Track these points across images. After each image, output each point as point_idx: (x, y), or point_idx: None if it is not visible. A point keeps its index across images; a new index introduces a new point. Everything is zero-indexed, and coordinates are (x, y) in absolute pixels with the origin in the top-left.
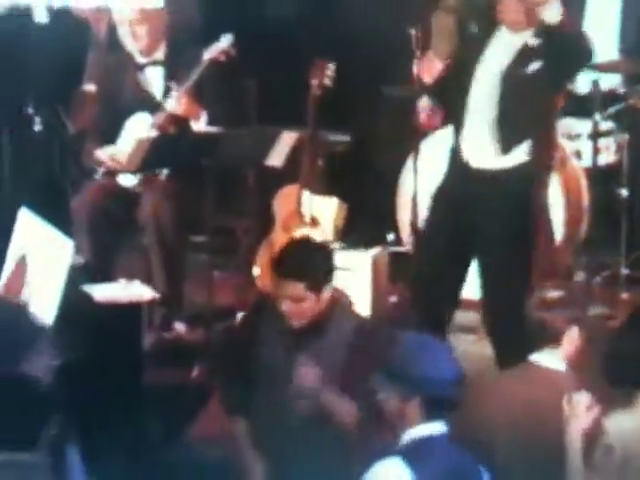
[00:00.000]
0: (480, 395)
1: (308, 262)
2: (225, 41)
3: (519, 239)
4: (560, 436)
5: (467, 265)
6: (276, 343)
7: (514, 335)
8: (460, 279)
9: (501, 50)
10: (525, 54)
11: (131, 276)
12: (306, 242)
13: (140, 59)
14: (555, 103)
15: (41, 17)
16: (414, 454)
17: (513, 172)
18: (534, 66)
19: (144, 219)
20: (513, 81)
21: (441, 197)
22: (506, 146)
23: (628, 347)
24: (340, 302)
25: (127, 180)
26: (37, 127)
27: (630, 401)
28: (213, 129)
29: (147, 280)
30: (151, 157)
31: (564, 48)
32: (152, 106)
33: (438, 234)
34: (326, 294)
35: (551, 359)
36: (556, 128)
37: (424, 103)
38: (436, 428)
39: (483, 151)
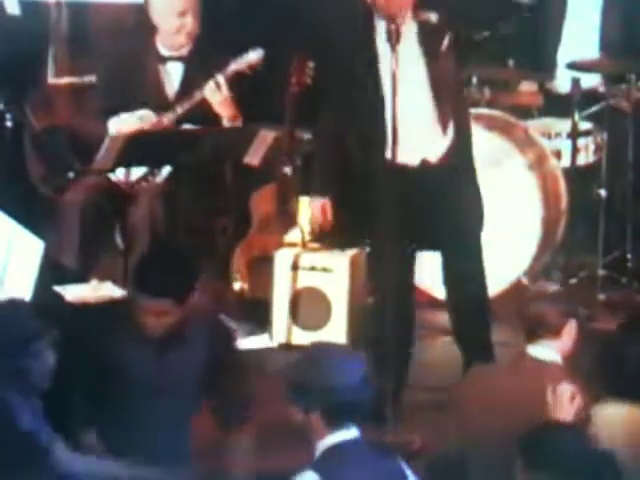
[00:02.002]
0: (474, 388)
1: (174, 277)
2: (254, 55)
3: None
4: None
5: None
6: (135, 352)
7: (478, 334)
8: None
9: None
10: (428, 32)
11: (103, 277)
12: (170, 255)
13: (164, 51)
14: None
15: (13, 9)
16: (326, 464)
17: (446, 161)
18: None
19: (136, 221)
20: (431, 62)
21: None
22: (443, 122)
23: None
24: (200, 308)
25: (122, 179)
26: (8, 123)
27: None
28: (189, 126)
29: (122, 281)
30: (125, 154)
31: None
32: (160, 104)
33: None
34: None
35: (547, 352)
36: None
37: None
38: (346, 435)
39: (420, 143)
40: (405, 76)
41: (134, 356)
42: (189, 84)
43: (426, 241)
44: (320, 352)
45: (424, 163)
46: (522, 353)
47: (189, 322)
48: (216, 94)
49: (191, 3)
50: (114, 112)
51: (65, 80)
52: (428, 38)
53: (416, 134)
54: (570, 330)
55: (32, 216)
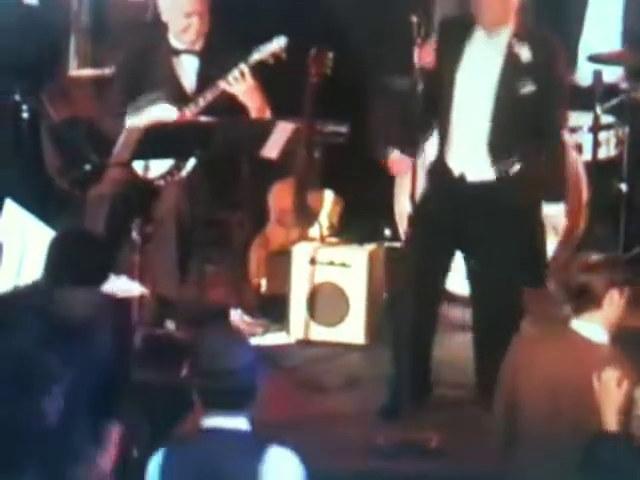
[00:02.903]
0: (520, 360)
1: (88, 263)
2: (277, 44)
3: (510, 252)
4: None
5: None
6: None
7: (497, 337)
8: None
9: (483, 54)
10: (513, 64)
11: (119, 271)
12: (84, 240)
13: (177, 44)
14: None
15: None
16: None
17: (502, 184)
18: (527, 88)
19: (163, 216)
20: (505, 95)
21: (426, 208)
22: (497, 158)
23: None
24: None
25: (150, 172)
26: (24, 115)
27: None
28: (206, 118)
29: (139, 276)
30: (143, 147)
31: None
32: (179, 97)
33: (422, 250)
34: None
35: (591, 327)
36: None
37: (394, 155)
38: (227, 423)
39: (473, 162)
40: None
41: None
42: (206, 77)
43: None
44: (214, 336)
45: (464, 178)
46: (567, 328)
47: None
48: (240, 84)
49: (199, 5)
50: (130, 105)
51: (86, 72)
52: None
53: (465, 147)
54: (611, 299)
55: (47, 208)
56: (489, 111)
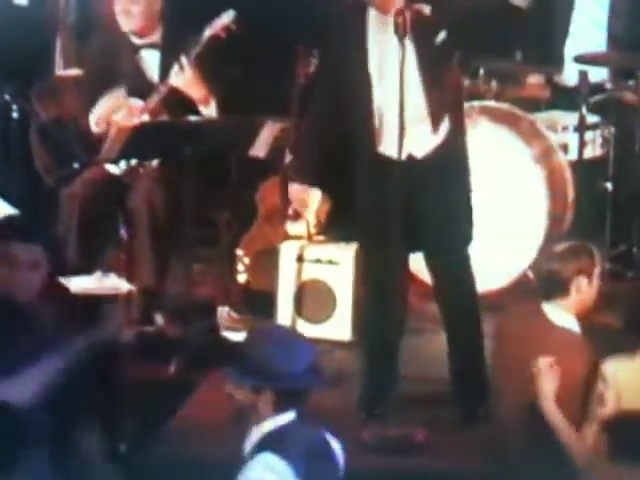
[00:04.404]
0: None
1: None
2: (226, 17)
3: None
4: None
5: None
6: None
7: (467, 332)
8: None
9: (386, 36)
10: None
11: (107, 268)
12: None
13: (136, 40)
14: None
15: None
16: (277, 445)
17: (439, 156)
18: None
19: (135, 207)
20: (424, 56)
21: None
22: (435, 120)
23: None
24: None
25: (117, 169)
26: (14, 114)
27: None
28: (195, 118)
29: (125, 273)
30: (131, 146)
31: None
32: (146, 90)
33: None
34: None
35: (557, 312)
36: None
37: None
38: (287, 418)
39: (416, 136)
40: (393, 68)
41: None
42: (168, 67)
43: (410, 241)
44: (280, 334)
45: (410, 158)
46: (537, 311)
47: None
48: (180, 76)
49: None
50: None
51: (72, 72)
52: (420, 32)
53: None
54: (579, 287)
55: (36, 207)
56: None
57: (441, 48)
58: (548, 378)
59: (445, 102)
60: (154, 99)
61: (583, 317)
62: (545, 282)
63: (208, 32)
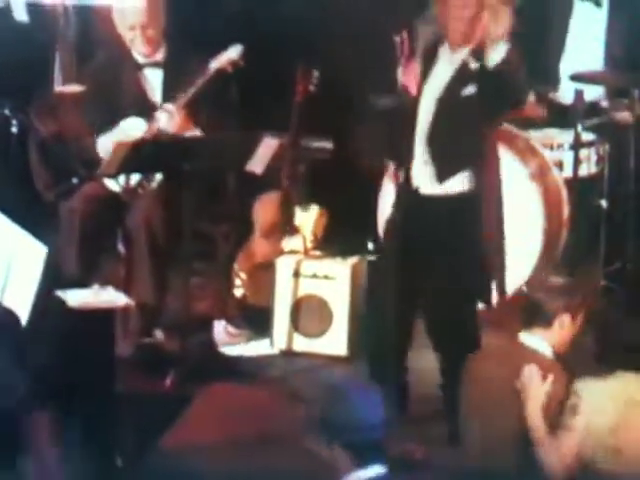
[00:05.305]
0: (472, 375)
1: None
2: (234, 51)
3: (461, 267)
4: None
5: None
6: None
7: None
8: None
9: (442, 69)
10: (462, 75)
11: (105, 282)
12: None
13: (140, 59)
14: (489, 133)
15: (20, 15)
16: None
17: (455, 200)
18: (468, 90)
19: (134, 227)
20: (447, 104)
21: (392, 222)
22: (441, 173)
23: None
24: None
25: (118, 186)
26: (13, 129)
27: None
28: (192, 134)
29: (123, 286)
30: (130, 161)
31: (497, 88)
32: (149, 110)
33: (389, 261)
34: None
35: (536, 340)
36: (497, 158)
37: None
38: (375, 471)
39: (426, 177)
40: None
41: None
42: (171, 88)
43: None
44: (348, 389)
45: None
46: (514, 339)
47: None
48: (169, 122)
49: (141, 17)
50: (102, 123)
51: (71, 88)
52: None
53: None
54: (562, 323)
55: (35, 222)
56: (431, 115)
57: (463, 101)
58: (535, 387)
59: (456, 158)
60: (153, 127)
61: (559, 351)
62: (529, 311)
63: (214, 65)
